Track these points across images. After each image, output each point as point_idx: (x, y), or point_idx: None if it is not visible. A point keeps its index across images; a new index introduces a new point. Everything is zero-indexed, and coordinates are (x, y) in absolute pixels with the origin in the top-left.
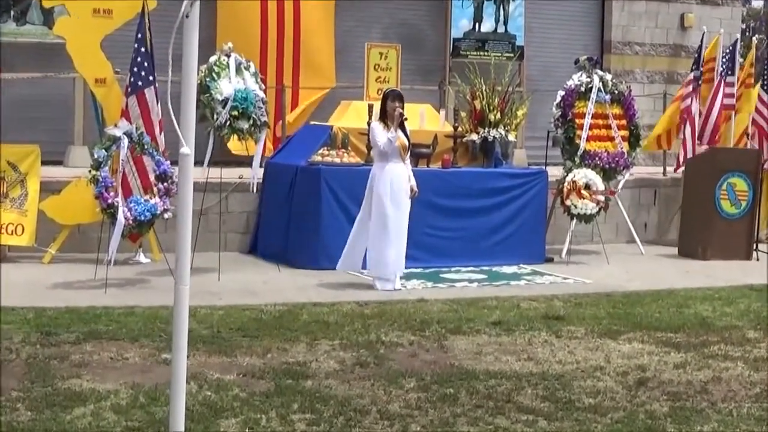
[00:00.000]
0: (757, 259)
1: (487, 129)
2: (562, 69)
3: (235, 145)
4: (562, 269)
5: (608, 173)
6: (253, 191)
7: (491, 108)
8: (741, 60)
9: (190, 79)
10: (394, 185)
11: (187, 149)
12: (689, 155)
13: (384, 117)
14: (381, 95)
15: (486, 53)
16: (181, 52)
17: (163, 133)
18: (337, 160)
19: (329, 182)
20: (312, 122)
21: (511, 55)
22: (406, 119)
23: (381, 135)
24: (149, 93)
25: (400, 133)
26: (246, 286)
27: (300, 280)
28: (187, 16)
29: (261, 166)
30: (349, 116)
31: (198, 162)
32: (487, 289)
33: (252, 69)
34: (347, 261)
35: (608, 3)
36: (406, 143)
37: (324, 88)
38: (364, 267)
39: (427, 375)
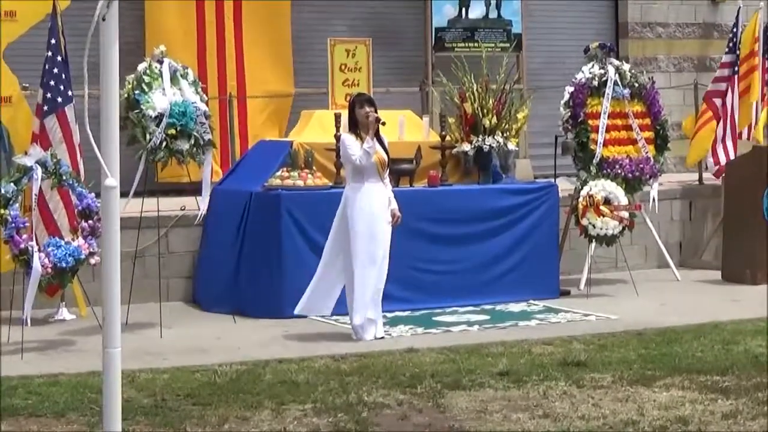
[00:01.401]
0: None
1: (481, 137)
2: (569, 60)
3: (170, 171)
4: (581, 304)
5: (632, 184)
6: (201, 224)
7: (485, 111)
8: None
9: (110, 93)
10: (371, 210)
11: (113, 180)
12: (731, 156)
13: (355, 127)
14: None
15: (476, 44)
16: (99, 61)
17: (82, 160)
18: (300, 183)
19: (291, 210)
20: (267, 138)
21: (507, 45)
22: (383, 123)
23: (354, 147)
24: (70, 112)
25: (377, 144)
26: (195, 342)
27: (261, 333)
28: (103, 19)
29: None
30: (313, 129)
31: (128, 193)
32: (491, 333)
33: (190, 77)
34: (310, 303)
35: None
36: (385, 158)
37: (280, 95)
38: (336, 312)
39: None
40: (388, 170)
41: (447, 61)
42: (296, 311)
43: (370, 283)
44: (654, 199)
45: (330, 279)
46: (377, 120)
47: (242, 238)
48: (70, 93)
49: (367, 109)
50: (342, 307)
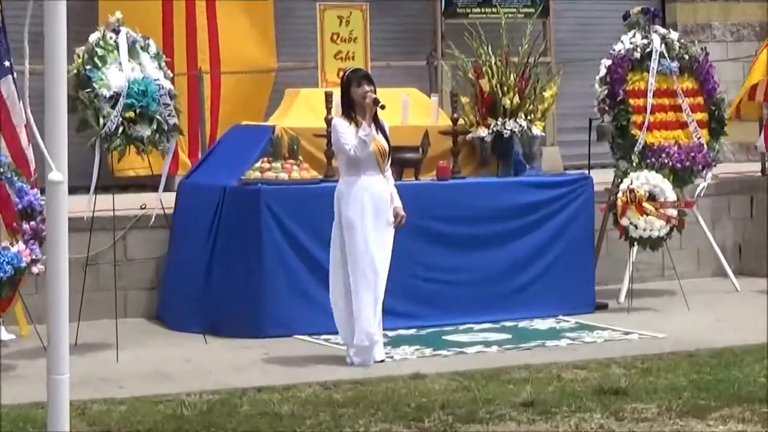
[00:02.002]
0: None
1: (500, 120)
2: (605, 27)
3: (129, 162)
4: (621, 320)
5: (681, 176)
6: (165, 226)
7: (505, 89)
8: None
9: (56, 69)
10: (370, 208)
11: (58, 174)
12: None
13: (350, 110)
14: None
15: (494, 10)
16: (42, 30)
17: (31, 146)
18: (284, 176)
19: (273, 208)
20: (244, 122)
21: (531, 10)
22: (383, 107)
23: (348, 134)
24: (6, 85)
25: (375, 130)
26: (158, 367)
27: (237, 355)
28: None
29: (174, 189)
30: (299, 111)
31: (79, 189)
32: (513, 355)
33: (152, 49)
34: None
35: None
36: (385, 146)
37: (259, 71)
38: (325, 330)
39: None
40: (389, 161)
41: (459, 29)
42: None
43: (368, 295)
44: (700, 193)
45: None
46: (376, 102)
47: (214, 243)
48: (7, 63)
49: (366, 88)
50: (332, 323)
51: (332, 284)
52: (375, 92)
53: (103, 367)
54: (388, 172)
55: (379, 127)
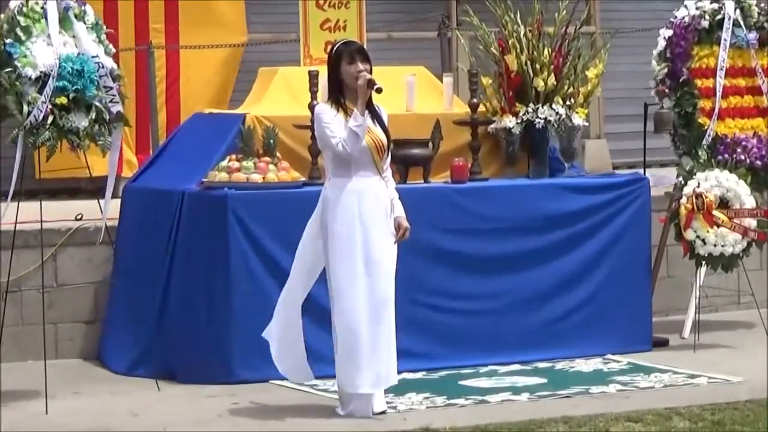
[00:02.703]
0: None
1: (532, 106)
2: None
3: (60, 161)
4: (685, 359)
5: (762, 177)
6: (107, 242)
7: (538, 67)
8: None
9: None
10: (363, 218)
11: None
12: None
13: (338, 93)
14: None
15: None
16: None
17: None
18: (258, 178)
19: (244, 219)
20: (207, 110)
21: None
22: (379, 90)
23: (335, 124)
24: None
25: (370, 120)
26: (99, 421)
27: (198, 406)
28: None
29: (118, 196)
30: (276, 95)
31: None
32: (548, 405)
33: (90, 18)
34: (288, 363)
35: None
36: (383, 140)
37: (226, 45)
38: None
39: None
40: (388, 158)
41: None
42: (286, 375)
43: (367, 330)
44: None
45: (295, 323)
46: (371, 83)
47: (170, 264)
48: None
49: (359, 65)
50: (319, 365)
51: (286, 300)
52: (371, 72)
53: (30, 421)
54: (388, 173)
55: (375, 116)
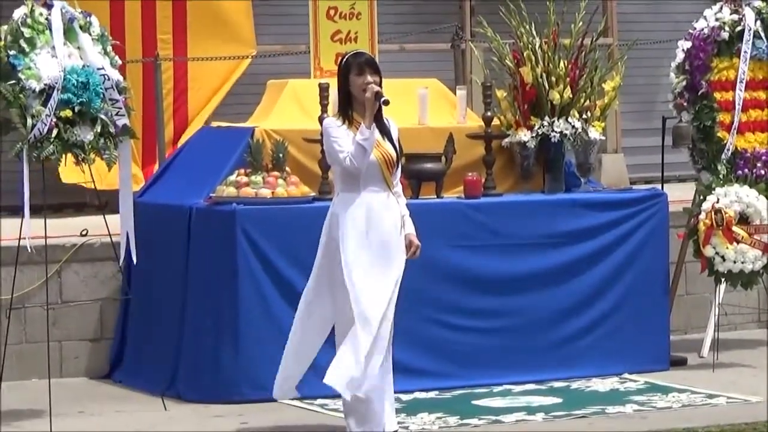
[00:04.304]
0: None
1: (548, 120)
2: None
3: (65, 175)
4: (704, 379)
5: None
6: (118, 261)
7: (554, 80)
8: None
9: None
10: (373, 235)
11: None
12: None
13: (347, 106)
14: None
15: None
16: None
17: None
18: (267, 193)
19: (252, 235)
20: (215, 123)
21: None
22: (386, 102)
23: (343, 138)
24: None
25: (378, 133)
26: None
27: (206, 425)
28: None
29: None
30: (286, 108)
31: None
32: (564, 425)
33: (95, 30)
34: (290, 383)
35: None
36: (393, 155)
37: (235, 57)
38: (323, 393)
39: None
40: (399, 173)
41: (494, 4)
42: (276, 396)
43: (375, 347)
44: None
45: (313, 343)
46: (378, 95)
47: (184, 280)
48: None
49: (368, 77)
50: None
51: (299, 318)
52: (381, 84)
53: None
54: (398, 188)
55: (384, 130)
